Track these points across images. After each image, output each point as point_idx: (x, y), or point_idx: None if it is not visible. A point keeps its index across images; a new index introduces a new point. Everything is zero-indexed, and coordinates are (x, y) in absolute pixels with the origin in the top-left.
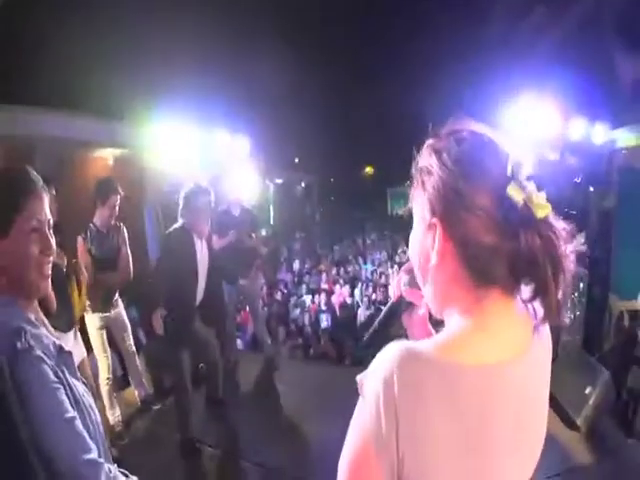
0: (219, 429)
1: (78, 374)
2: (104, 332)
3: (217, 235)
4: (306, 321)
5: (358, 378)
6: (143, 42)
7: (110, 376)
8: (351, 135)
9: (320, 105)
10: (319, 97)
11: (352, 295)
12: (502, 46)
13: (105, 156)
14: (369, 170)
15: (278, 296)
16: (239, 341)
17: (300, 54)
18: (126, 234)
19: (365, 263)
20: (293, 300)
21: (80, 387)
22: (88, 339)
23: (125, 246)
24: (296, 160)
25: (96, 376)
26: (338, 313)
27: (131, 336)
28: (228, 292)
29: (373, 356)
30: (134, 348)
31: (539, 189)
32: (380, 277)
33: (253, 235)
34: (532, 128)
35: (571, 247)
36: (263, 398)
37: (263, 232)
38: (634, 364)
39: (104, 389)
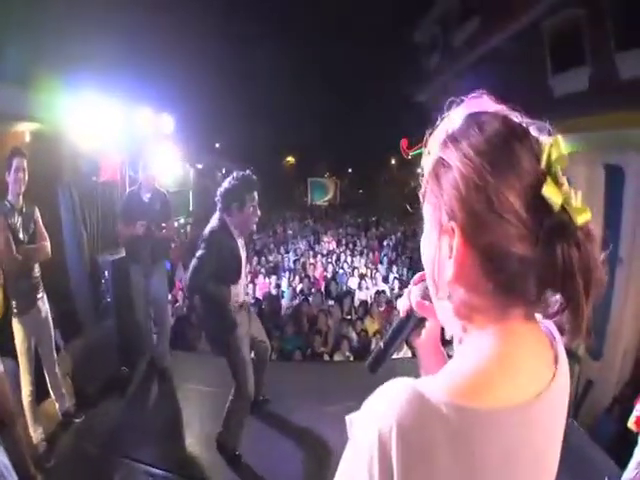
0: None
1: None
2: (31, 340)
3: (123, 223)
4: None
5: (348, 419)
6: (65, 11)
7: (32, 388)
8: (273, 124)
9: (243, 91)
10: (242, 83)
11: (277, 286)
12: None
13: (22, 130)
14: (290, 160)
15: None
16: None
17: (227, 39)
18: (39, 216)
19: (287, 252)
20: None
21: None
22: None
23: (40, 224)
24: (217, 145)
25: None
26: (263, 304)
27: (53, 341)
28: None
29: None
30: (55, 355)
31: None
32: (302, 267)
33: (164, 224)
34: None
35: (602, 256)
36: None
37: (182, 220)
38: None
39: (27, 403)
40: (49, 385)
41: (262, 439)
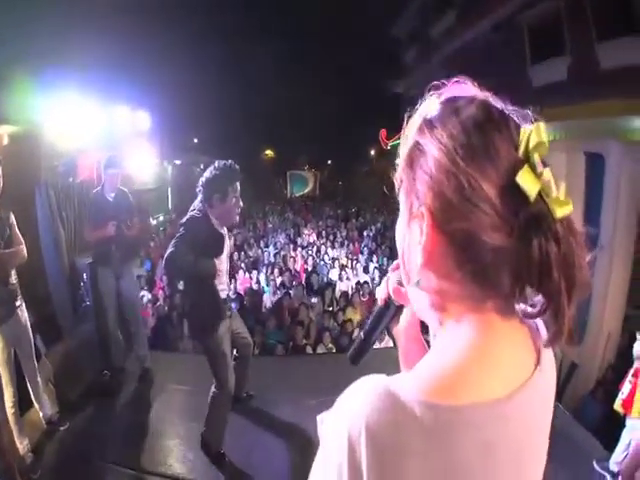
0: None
1: None
2: (11, 350)
3: (92, 224)
4: None
5: (319, 418)
6: (40, 10)
7: (15, 400)
8: (252, 118)
9: (220, 86)
10: (220, 77)
11: (258, 281)
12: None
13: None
14: (269, 153)
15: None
16: None
17: (204, 35)
18: (14, 220)
19: (267, 246)
20: None
21: None
22: None
23: (15, 228)
24: (195, 140)
25: None
26: (244, 299)
27: (33, 349)
28: None
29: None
30: (36, 362)
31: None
32: (283, 260)
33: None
34: None
35: (588, 257)
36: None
37: (161, 217)
38: None
39: (11, 415)
40: (31, 394)
41: (247, 435)
